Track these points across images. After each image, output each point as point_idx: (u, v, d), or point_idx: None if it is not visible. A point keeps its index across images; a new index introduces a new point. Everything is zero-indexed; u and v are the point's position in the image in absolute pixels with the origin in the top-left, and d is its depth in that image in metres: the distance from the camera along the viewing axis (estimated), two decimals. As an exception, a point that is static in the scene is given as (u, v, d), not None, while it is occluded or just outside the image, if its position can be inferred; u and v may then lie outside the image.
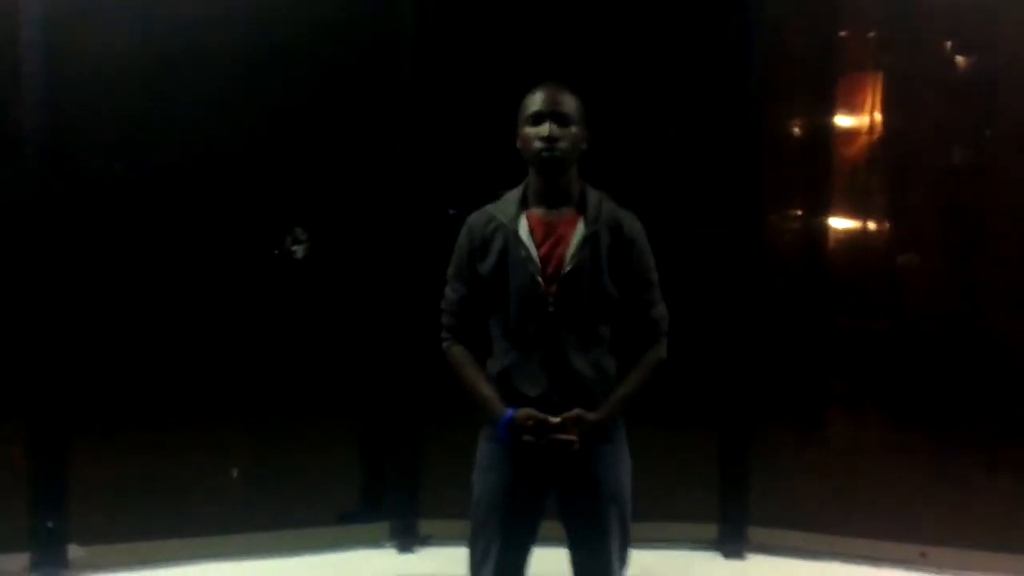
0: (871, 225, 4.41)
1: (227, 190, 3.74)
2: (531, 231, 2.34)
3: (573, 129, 2.30)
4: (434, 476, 3.91)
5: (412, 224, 3.77)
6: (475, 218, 2.43)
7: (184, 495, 3.78)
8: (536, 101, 2.31)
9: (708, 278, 3.72)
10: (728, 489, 3.82)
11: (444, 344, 2.45)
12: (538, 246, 2.33)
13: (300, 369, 3.86)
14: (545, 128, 2.27)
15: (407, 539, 3.86)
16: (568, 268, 2.30)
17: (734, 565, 3.81)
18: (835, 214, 4.38)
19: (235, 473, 3.77)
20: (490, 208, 2.42)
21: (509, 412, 2.29)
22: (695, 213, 3.85)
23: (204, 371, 3.79)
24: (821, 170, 4.34)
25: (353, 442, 4.10)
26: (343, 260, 3.89)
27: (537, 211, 2.36)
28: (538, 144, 2.28)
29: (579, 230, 2.33)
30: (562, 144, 2.28)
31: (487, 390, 2.35)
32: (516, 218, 2.35)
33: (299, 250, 3.75)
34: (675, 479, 3.85)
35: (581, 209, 2.35)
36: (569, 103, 2.32)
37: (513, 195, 2.41)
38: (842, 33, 4.61)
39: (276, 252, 3.74)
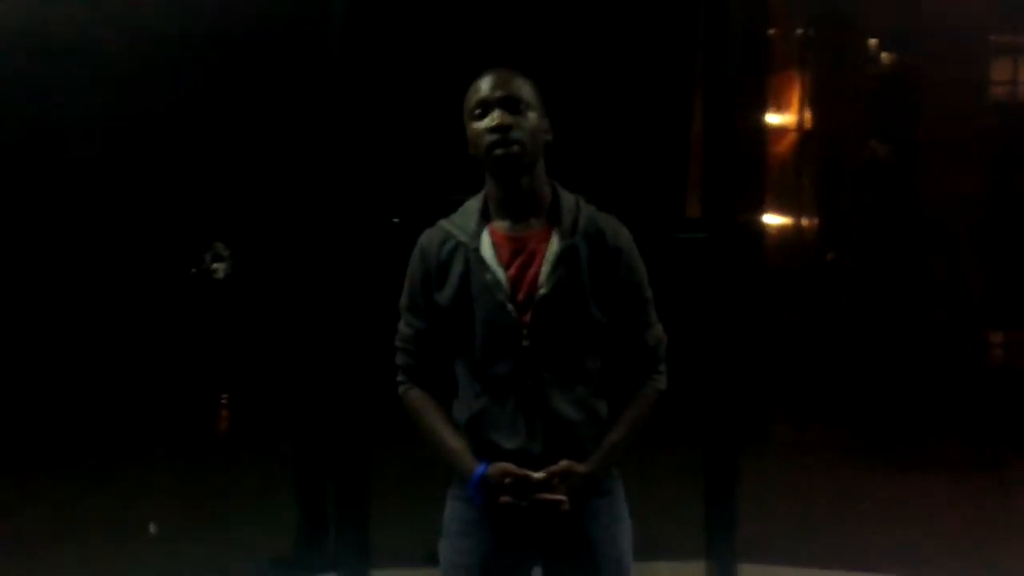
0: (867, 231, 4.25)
1: (130, 199, 3.40)
2: (496, 249, 1.99)
3: (530, 116, 1.95)
4: (386, 516, 3.55)
5: (349, 236, 3.35)
6: (428, 237, 2.07)
7: (91, 545, 3.41)
8: (480, 89, 1.96)
9: (687, 288, 3.39)
10: (715, 521, 3.51)
11: (400, 388, 2.11)
12: (505, 267, 1.98)
13: (225, 400, 3.48)
14: (495, 117, 1.92)
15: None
16: (543, 292, 1.96)
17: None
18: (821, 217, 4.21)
19: (153, 529, 3.32)
20: (445, 224, 2.06)
21: (481, 468, 1.96)
22: (667, 217, 3.57)
23: (116, 403, 3.47)
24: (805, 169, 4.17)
25: (290, 478, 3.75)
26: (269, 280, 3.51)
27: (501, 224, 2.01)
28: (488, 138, 1.92)
29: (553, 244, 1.98)
30: (517, 134, 1.93)
31: (454, 442, 2.01)
32: (477, 235, 2.00)
33: (220, 268, 3.32)
34: (658, 512, 3.64)
35: (553, 218, 2.01)
36: (522, 86, 1.96)
37: (472, 206, 2.06)
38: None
39: (194, 271, 3.31)
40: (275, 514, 3.72)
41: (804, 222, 4.58)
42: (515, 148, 1.92)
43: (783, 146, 4.65)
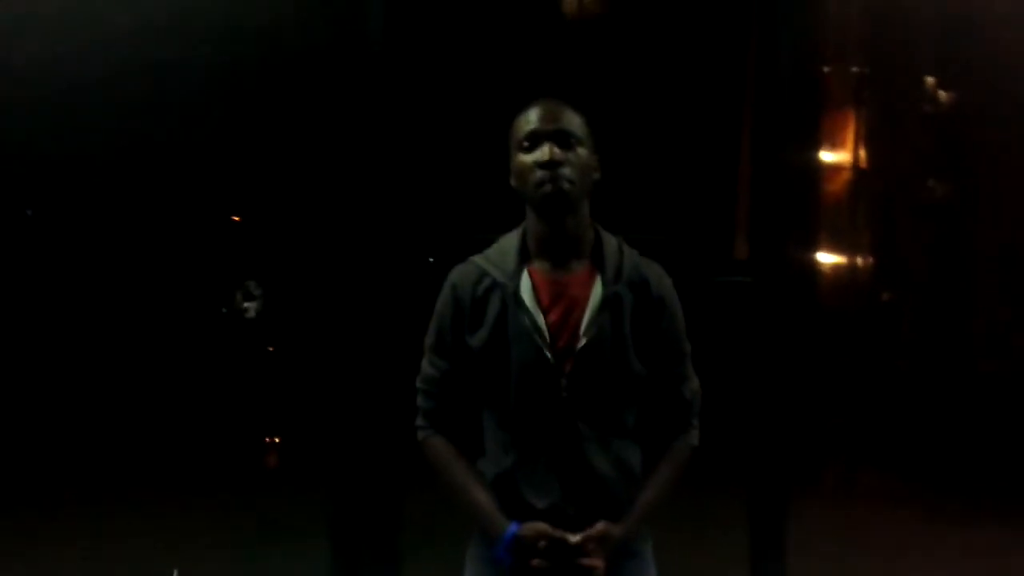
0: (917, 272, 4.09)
1: (161, 235, 3.27)
2: (536, 292, 1.87)
3: (580, 152, 1.85)
4: (418, 557, 3.42)
5: (383, 274, 3.25)
6: (461, 274, 1.95)
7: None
8: (530, 120, 1.85)
9: (728, 334, 3.24)
10: (761, 564, 3.32)
11: (420, 435, 1.98)
12: (545, 312, 1.86)
13: (270, 441, 3.37)
14: (545, 151, 1.81)
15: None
16: (585, 340, 1.84)
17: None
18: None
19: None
20: (479, 261, 1.94)
21: (512, 528, 1.83)
22: (710, 259, 3.42)
23: (142, 442, 3.34)
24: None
25: (323, 518, 3.57)
26: (301, 320, 3.39)
27: (541, 265, 1.90)
28: (538, 174, 1.82)
29: (596, 290, 1.87)
30: (567, 171, 1.82)
31: (482, 497, 1.88)
32: (516, 275, 1.89)
33: (251, 307, 3.24)
34: (700, 554, 3.48)
35: (597, 262, 1.90)
36: (573, 120, 1.86)
37: (509, 243, 1.94)
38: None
39: (224, 310, 3.23)
40: (306, 554, 3.62)
41: (859, 262, 4.41)
42: (565, 185, 1.81)
43: (837, 185, 4.50)
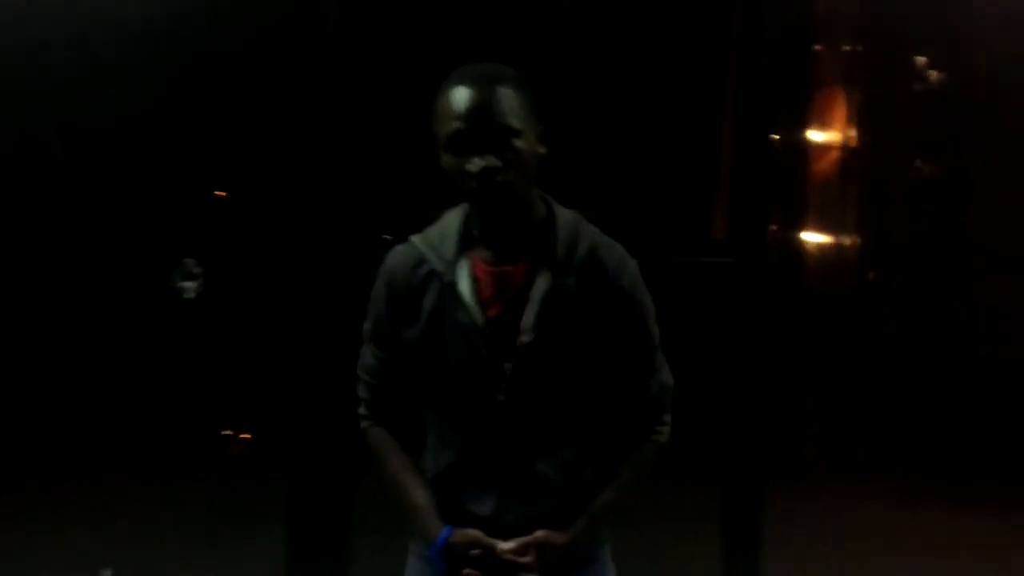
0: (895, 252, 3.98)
1: (90, 210, 3.09)
2: (475, 284, 1.67)
3: (519, 144, 1.58)
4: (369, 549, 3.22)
5: (335, 252, 3.03)
6: (397, 258, 1.75)
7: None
8: (454, 111, 1.58)
9: (704, 316, 3.07)
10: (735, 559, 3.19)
11: (362, 424, 1.83)
12: (485, 306, 1.67)
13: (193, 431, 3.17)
14: (475, 163, 1.56)
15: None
16: (528, 338, 1.64)
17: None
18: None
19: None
20: (418, 242, 1.74)
21: (446, 532, 1.69)
22: (687, 239, 3.23)
23: (73, 433, 3.23)
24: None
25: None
26: (247, 299, 3.15)
27: (484, 253, 1.69)
28: (470, 183, 1.58)
29: (542, 282, 1.65)
30: (506, 176, 1.57)
31: (418, 496, 1.73)
32: (455, 264, 1.68)
33: (191, 287, 3.02)
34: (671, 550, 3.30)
35: (546, 247, 1.67)
36: (506, 106, 1.58)
37: (451, 224, 1.73)
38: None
39: (163, 289, 3.03)
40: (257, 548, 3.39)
41: (846, 242, 4.30)
42: (502, 191, 1.57)
43: (824, 164, 4.39)
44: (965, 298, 4.30)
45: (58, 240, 3.10)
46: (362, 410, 1.81)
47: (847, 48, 4.55)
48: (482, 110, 1.56)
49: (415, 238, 1.75)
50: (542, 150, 1.65)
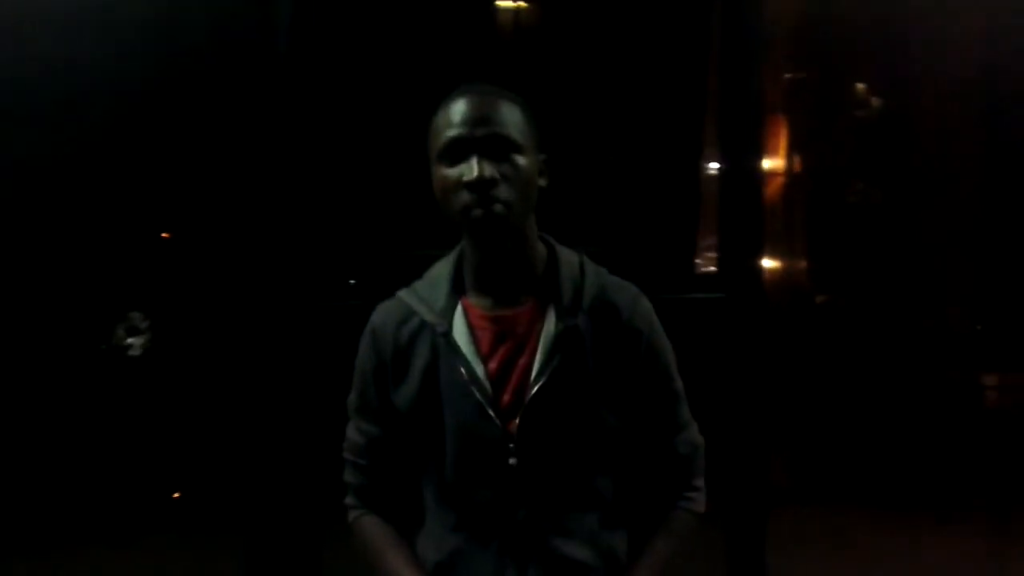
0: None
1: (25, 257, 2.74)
2: (473, 333, 1.49)
3: (520, 161, 1.43)
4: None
5: (295, 301, 2.77)
6: (382, 314, 1.57)
7: None
8: (452, 121, 1.42)
9: (697, 353, 2.89)
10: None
11: (350, 516, 1.61)
12: (485, 359, 1.48)
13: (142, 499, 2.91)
14: (472, 167, 1.39)
15: None
16: (535, 390, 1.45)
17: None
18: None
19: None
20: (404, 296, 1.57)
21: None
22: (673, 274, 3.07)
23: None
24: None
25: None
26: (195, 357, 2.88)
27: (479, 300, 1.51)
28: (464, 197, 1.41)
29: (549, 325, 1.48)
30: (503, 191, 1.41)
31: None
32: (448, 313, 1.50)
33: (136, 343, 2.76)
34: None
35: (550, 289, 1.50)
36: (509, 118, 1.44)
37: (441, 272, 1.56)
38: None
39: (104, 347, 2.75)
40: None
41: (798, 266, 4.37)
42: (498, 209, 1.39)
43: (771, 190, 4.45)
44: (958, 319, 4.34)
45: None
46: (350, 499, 1.61)
47: (790, 77, 4.60)
48: (483, 118, 1.41)
49: (401, 292, 1.56)
50: (543, 182, 1.49)
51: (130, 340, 2.82)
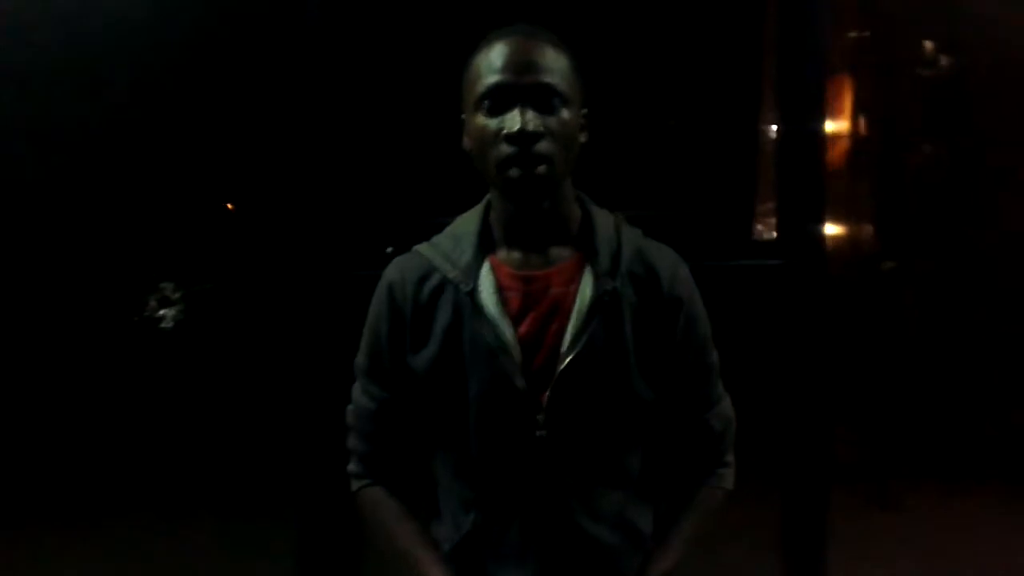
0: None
1: (64, 233, 2.81)
2: (501, 294, 1.36)
3: (564, 115, 1.30)
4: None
5: (329, 272, 2.68)
6: (400, 270, 1.45)
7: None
8: (494, 66, 1.30)
9: (752, 322, 2.75)
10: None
11: (354, 485, 1.50)
12: (515, 321, 1.35)
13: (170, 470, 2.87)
14: (515, 118, 1.27)
15: None
16: (569, 359, 1.32)
17: None
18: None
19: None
20: (425, 251, 1.45)
21: None
22: (729, 240, 2.96)
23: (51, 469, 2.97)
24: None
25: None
26: (229, 327, 2.80)
27: (509, 257, 1.40)
28: (503, 149, 1.28)
29: (586, 288, 1.36)
30: (545, 146, 1.28)
31: (435, 572, 1.39)
32: (474, 271, 1.38)
33: (168, 314, 2.69)
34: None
35: (586, 249, 1.39)
36: (556, 66, 1.31)
37: (466, 227, 1.44)
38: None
39: (137, 319, 2.70)
40: None
41: (861, 232, 4.22)
42: (540, 169, 1.26)
43: (836, 154, 4.29)
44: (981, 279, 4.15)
45: (22, 260, 2.80)
46: (353, 466, 1.49)
47: (856, 35, 4.45)
48: (529, 64, 1.28)
49: (421, 246, 1.44)
50: (584, 137, 1.37)
51: (162, 312, 2.76)
